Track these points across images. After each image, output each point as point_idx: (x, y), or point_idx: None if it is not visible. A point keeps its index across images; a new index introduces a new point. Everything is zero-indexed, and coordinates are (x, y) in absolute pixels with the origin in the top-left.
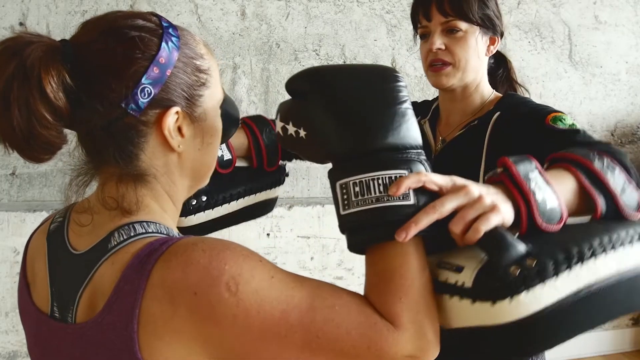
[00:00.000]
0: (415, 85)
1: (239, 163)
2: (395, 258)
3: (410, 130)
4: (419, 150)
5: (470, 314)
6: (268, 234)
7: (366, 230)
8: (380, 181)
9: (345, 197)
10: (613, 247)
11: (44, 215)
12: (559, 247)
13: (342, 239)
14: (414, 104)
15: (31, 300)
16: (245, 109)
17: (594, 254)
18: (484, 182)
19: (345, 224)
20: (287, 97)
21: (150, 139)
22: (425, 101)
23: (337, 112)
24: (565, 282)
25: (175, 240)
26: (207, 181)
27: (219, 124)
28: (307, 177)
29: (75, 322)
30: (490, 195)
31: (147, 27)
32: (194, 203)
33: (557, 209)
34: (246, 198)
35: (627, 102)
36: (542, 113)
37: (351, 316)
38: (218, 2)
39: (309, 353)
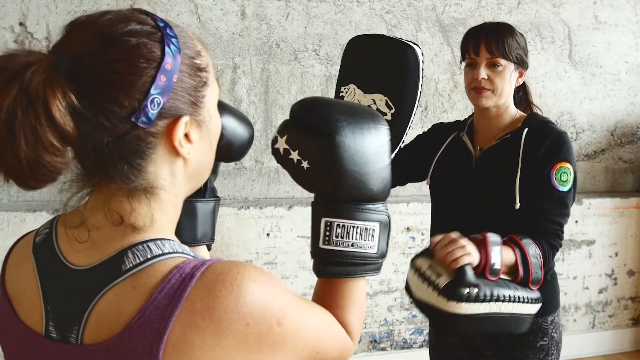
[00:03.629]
0: None
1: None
2: (359, 289)
3: (387, 188)
4: (385, 206)
5: (433, 298)
6: (268, 234)
7: (341, 265)
8: (358, 230)
9: (327, 233)
10: (513, 300)
11: (44, 215)
12: (489, 288)
13: None
14: (445, 124)
15: (17, 318)
16: (245, 109)
17: (503, 299)
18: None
19: (323, 256)
20: (288, 97)
21: (159, 149)
22: (457, 120)
23: (344, 162)
24: (484, 306)
25: (208, 264)
26: (204, 181)
27: (218, 120)
28: None
29: (81, 344)
30: (470, 246)
31: (146, 31)
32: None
33: (498, 269)
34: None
35: (627, 102)
36: (555, 157)
37: (336, 332)
38: (218, 2)
39: None
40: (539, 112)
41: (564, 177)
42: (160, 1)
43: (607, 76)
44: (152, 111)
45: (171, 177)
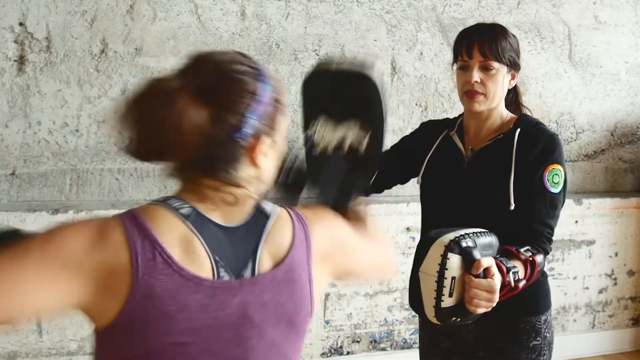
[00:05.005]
0: (415, 85)
1: None
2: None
3: None
4: None
5: (427, 301)
6: None
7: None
8: None
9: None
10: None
11: (44, 215)
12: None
13: None
14: (434, 122)
15: (188, 274)
16: None
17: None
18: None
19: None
20: (288, 97)
21: (245, 158)
22: (446, 118)
23: None
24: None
25: (296, 209)
26: (268, 187)
27: (284, 143)
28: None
29: (258, 275)
30: (497, 295)
31: (248, 71)
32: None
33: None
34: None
35: (627, 102)
36: (548, 159)
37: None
38: (218, 2)
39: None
40: (529, 113)
41: (555, 179)
42: (160, 1)
43: (607, 76)
44: (247, 130)
45: (251, 178)
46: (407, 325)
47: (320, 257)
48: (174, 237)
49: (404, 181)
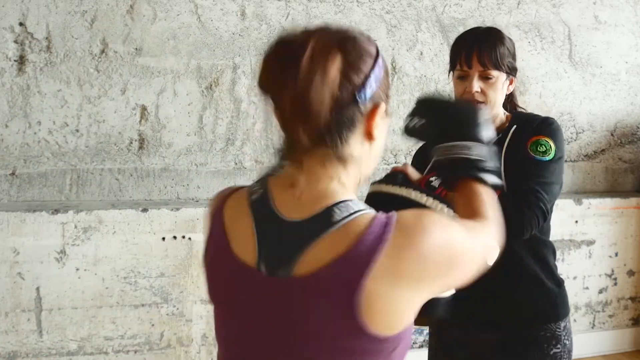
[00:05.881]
0: (415, 85)
1: None
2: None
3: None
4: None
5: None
6: None
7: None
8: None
9: None
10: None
11: (44, 215)
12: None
13: None
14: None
15: (232, 252)
16: (246, 109)
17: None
18: None
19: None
20: None
21: (360, 128)
22: None
23: None
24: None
25: (394, 218)
26: (372, 171)
27: (390, 117)
28: None
29: (291, 276)
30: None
31: (367, 38)
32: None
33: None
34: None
35: (627, 102)
36: (532, 134)
37: (486, 241)
38: (218, 2)
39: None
40: (523, 109)
41: (540, 148)
42: (160, 1)
43: (607, 76)
44: (368, 92)
45: (360, 156)
46: None
47: (397, 276)
48: (239, 227)
49: None
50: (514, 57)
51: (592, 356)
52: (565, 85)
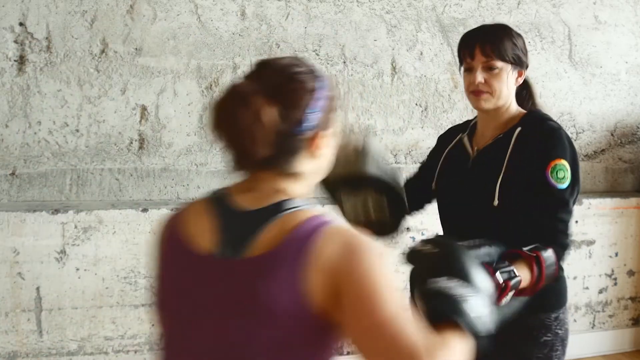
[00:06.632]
0: (415, 85)
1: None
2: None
3: None
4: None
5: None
6: None
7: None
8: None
9: None
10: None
11: (44, 215)
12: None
13: None
14: (454, 127)
15: (190, 250)
16: None
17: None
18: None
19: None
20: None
21: (304, 151)
22: (467, 121)
23: None
24: None
25: (336, 220)
26: (320, 179)
27: (337, 136)
28: None
29: (251, 256)
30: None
31: (307, 72)
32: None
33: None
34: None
35: (627, 102)
36: (548, 155)
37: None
38: (218, 2)
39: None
40: (541, 109)
41: (560, 174)
42: (160, 1)
43: (607, 76)
44: (307, 124)
45: (308, 170)
46: None
47: (324, 276)
48: (197, 220)
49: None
50: (522, 51)
51: (592, 356)
52: (565, 85)
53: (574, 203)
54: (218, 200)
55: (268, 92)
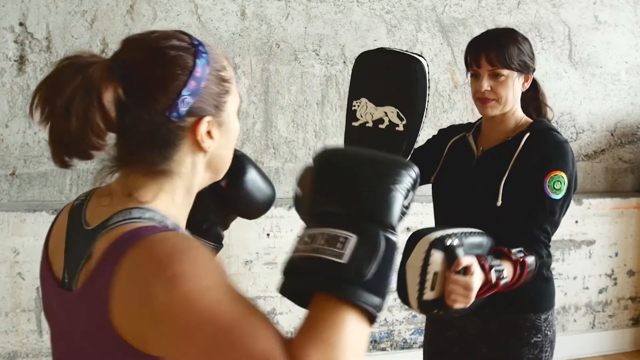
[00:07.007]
0: None
1: None
2: (333, 318)
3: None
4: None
5: (411, 292)
6: (268, 234)
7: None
8: (324, 237)
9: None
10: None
11: (44, 215)
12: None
13: None
14: (457, 126)
15: (51, 272)
16: (245, 109)
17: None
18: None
19: (285, 266)
20: (288, 97)
21: (185, 141)
22: (469, 123)
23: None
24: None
25: (158, 230)
26: (224, 174)
27: (237, 123)
28: None
29: (74, 288)
30: (474, 293)
31: (183, 47)
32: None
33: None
34: None
35: (627, 102)
36: (550, 165)
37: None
38: (218, 2)
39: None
40: (551, 112)
41: (557, 185)
42: (160, 1)
43: (607, 76)
44: (182, 109)
45: (192, 166)
46: (407, 325)
47: (123, 299)
48: (55, 236)
49: (427, 180)
50: (529, 56)
51: (592, 356)
52: (565, 85)
53: (560, 217)
54: (74, 212)
55: (119, 70)
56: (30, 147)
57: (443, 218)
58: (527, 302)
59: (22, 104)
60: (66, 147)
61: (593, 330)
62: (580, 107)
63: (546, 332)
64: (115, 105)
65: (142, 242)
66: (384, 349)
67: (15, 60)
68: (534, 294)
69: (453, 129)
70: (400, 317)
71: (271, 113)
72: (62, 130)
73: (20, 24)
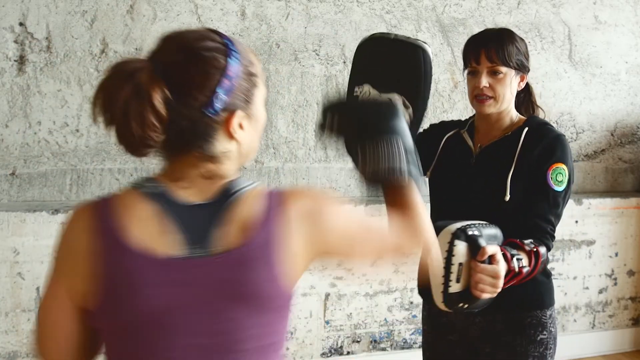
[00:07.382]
0: None
1: None
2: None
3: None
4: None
5: (435, 288)
6: None
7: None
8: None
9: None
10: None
11: (44, 215)
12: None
13: None
14: (447, 122)
15: (143, 252)
16: None
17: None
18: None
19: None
20: (288, 97)
21: (221, 132)
22: (459, 120)
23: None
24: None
25: (282, 189)
26: (253, 157)
27: (264, 113)
28: (307, 177)
29: (211, 254)
30: (501, 281)
31: (216, 47)
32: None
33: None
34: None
35: (627, 102)
36: (551, 158)
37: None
38: (218, 2)
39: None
40: (542, 113)
41: (559, 177)
42: (160, 1)
43: (607, 76)
44: (218, 105)
45: (230, 152)
46: (407, 325)
47: (299, 235)
48: (142, 219)
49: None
50: (525, 56)
51: (592, 356)
52: (565, 85)
53: (562, 208)
54: (158, 196)
55: (162, 70)
56: (30, 147)
57: (444, 213)
58: (532, 298)
59: (22, 104)
60: (131, 145)
61: (593, 330)
62: (580, 107)
63: (551, 328)
64: (165, 104)
65: (289, 193)
66: (384, 349)
67: (15, 60)
68: (538, 290)
69: (445, 125)
70: (400, 317)
71: (271, 113)
72: (127, 133)
73: (20, 24)
